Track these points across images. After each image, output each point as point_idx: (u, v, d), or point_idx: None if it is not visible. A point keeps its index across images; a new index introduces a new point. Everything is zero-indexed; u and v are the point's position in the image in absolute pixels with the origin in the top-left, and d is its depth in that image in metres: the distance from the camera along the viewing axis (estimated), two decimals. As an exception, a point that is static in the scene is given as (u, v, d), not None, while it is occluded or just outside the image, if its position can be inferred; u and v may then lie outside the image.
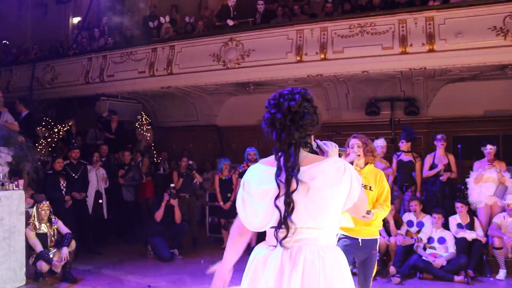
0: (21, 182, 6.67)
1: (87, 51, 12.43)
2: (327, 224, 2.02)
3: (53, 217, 6.76)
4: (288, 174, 1.96)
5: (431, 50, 8.50)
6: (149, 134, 12.01)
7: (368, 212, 3.58)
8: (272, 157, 2.10)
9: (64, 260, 6.41)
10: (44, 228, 6.61)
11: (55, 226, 6.74)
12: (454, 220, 7.08)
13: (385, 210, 3.88)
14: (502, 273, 6.57)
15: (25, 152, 6.88)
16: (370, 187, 3.91)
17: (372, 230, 3.90)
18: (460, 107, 10.22)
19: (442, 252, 6.84)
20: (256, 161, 8.42)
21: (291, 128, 2.01)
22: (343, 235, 3.85)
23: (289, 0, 12.06)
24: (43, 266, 6.37)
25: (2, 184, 6.27)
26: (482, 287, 6.37)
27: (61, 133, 10.93)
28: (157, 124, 13.02)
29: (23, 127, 8.17)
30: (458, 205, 7.05)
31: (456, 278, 6.46)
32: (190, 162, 9.59)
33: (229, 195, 8.74)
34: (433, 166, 7.77)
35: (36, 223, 6.55)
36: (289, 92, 2.08)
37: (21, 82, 12.94)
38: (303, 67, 9.47)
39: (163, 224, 8.24)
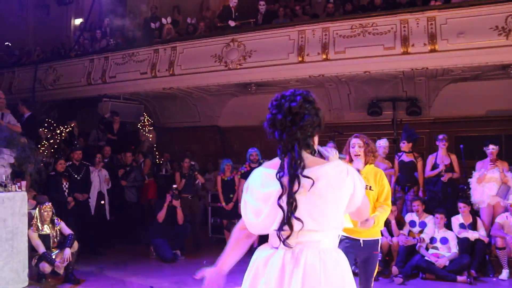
0: (23, 183, 6.67)
1: (89, 52, 12.45)
2: (329, 227, 2.03)
3: (55, 218, 6.76)
4: (291, 174, 1.97)
5: (433, 50, 8.49)
6: (151, 135, 12.03)
7: (367, 220, 3.58)
8: (275, 161, 2.11)
9: (67, 261, 6.42)
10: (46, 229, 6.62)
11: (58, 227, 6.74)
12: (456, 220, 7.07)
13: (386, 211, 3.87)
14: (505, 273, 6.55)
15: (27, 153, 6.88)
16: (370, 186, 3.91)
17: (373, 231, 3.89)
18: (462, 107, 10.20)
19: (444, 252, 6.83)
20: (258, 161, 8.43)
21: (292, 128, 2.02)
22: (344, 236, 3.84)
23: (290, 0, 12.06)
24: (46, 267, 6.38)
25: (5, 186, 6.28)
26: (485, 287, 6.36)
27: (63, 134, 10.95)
28: (159, 125, 13.04)
29: (25, 129, 8.17)
30: (460, 205, 7.04)
31: (459, 278, 6.45)
32: (192, 163, 9.60)
33: (231, 196, 8.74)
34: (435, 166, 7.76)
35: (39, 224, 6.57)
36: (291, 94, 2.08)
37: (24, 83, 12.98)
38: (305, 67, 9.47)
39: (166, 225, 8.25)
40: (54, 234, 6.70)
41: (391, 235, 7.07)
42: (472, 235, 6.84)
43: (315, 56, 9.33)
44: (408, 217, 7.36)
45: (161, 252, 8.05)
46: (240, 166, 9.07)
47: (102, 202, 9.05)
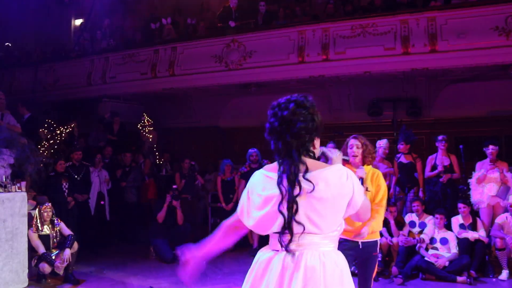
0: (23, 184, 6.67)
1: (89, 53, 12.47)
2: (329, 230, 2.04)
3: (55, 218, 6.76)
4: (290, 180, 1.99)
5: (433, 51, 8.50)
6: (151, 136, 12.03)
7: (361, 231, 3.63)
8: (275, 164, 2.13)
9: (67, 261, 6.41)
10: (46, 230, 6.62)
11: (58, 228, 6.74)
12: (456, 220, 7.07)
13: (379, 214, 3.87)
14: (504, 274, 6.54)
15: (27, 154, 6.87)
16: (367, 187, 3.90)
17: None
18: (462, 108, 10.21)
19: (444, 253, 6.82)
20: (258, 162, 8.44)
21: (286, 136, 2.05)
22: (343, 238, 3.83)
23: (290, 1, 12.07)
24: (46, 267, 6.38)
25: (5, 186, 6.28)
26: (485, 288, 6.37)
27: (63, 135, 10.95)
28: (159, 126, 13.04)
29: (25, 129, 8.19)
30: (460, 205, 7.03)
31: (459, 278, 6.44)
32: (193, 163, 9.60)
33: (231, 196, 8.74)
34: (434, 167, 7.75)
35: (39, 225, 6.57)
36: (285, 101, 2.11)
37: (24, 84, 12.99)
38: (305, 68, 9.49)
39: (166, 226, 8.25)
40: (54, 234, 6.70)
41: (391, 235, 7.07)
42: (472, 235, 6.84)
43: (315, 56, 9.34)
44: (408, 217, 7.36)
45: (161, 253, 8.04)
46: (240, 167, 9.07)
47: (102, 202, 9.05)
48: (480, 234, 6.86)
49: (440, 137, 7.84)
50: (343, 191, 2.01)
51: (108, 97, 11.95)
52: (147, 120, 12.27)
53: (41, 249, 6.42)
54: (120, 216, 9.58)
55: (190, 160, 9.58)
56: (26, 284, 6.26)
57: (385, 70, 9.16)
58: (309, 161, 2.06)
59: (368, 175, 3.97)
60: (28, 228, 6.44)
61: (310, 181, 1.97)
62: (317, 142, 2.16)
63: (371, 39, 8.97)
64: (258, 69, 9.87)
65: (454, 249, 6.80)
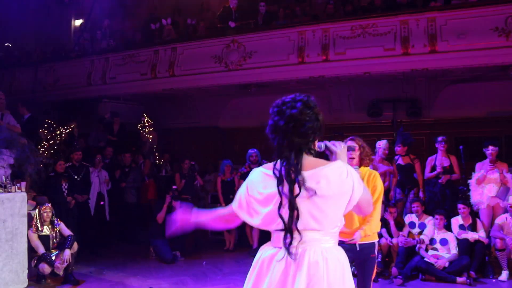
0: (23, 184, 6.67)
1: (89, 53, 12.47)
2: (330, 227, 2.07)
3: (55, 219, 6.76)
4: (290, 179, 1.99)
5: (433, 51, 8.51)
6: (151, 136, 12.03)
7: (354, 236, 3.68)
8: (275, 162, 2.13)
9: (66, 262, 6.41)
10: (46, 230, 6.62)
11: (57, 228, 6.74)
12: (456, 221, 7.07)
13: (374, 218, 3.86)
14: (504, 275, 6.54)
15: (27, 154, 6.87)
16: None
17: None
18: (462, 108, 10.21)
19: (444, 254, 6.82)
20: (258, 162, 8.43)
21: (292, 135, 2.05)
22: (340, 240, 3.82)
23: (290, 1, 12.07)
24: (45, 268, 6.37)
25: (5, 187, 6.28)
26: (485, 289, 6.37)
27: (63, 135, 10.94)
28: (159, 126, 13.03)
29: (25, 130, 8.18)
30: (460, 206, 7.03)
31: (459, 279, 6.44)
32: (192, 163, 9.59)
33: (231, 196, 8.62)
34: (434, 168, 7.75)
35: (39, 225, 6.56)
36: (291, 100, 2.11)
37: (24, 84, 12.99)
38: (305, 68, 9.49)
39: (165, 226, 8.23)
40: (54, 235, 6.70)
41: (391, 236, 7.07)
42: (471, 236, 6.84)
43: (315, 57, 9.35)
44: (408, 218, 7.36)
45: (161, 253, 8.04)
46: (240, 167, 9.07)
47: (102, 203, 9.05)
48: (480, 234, 6.86)
49: (439, 138, 7.83)
50: (343, 188, 2.02)
51: (108, 98, 11.96)
52: (147, 121, 12.26)
53: (41, 249, 6.41)
54: (120, 217, 9.58)
55: (190, 161, 9.58)
56: (25, 284, 6.26)
57: (385, 71, 9.16)
58: (310, 159, 2.08)
59: (365, 176, 3.96)
60: (28, 229, 6.44)
61: (311, 179, 1.99)
62: (316, 141, 2.18)
63: (371, 39, 8.98)
64: (258, 69, 9.87)
65: (454, 249, 6.80)
